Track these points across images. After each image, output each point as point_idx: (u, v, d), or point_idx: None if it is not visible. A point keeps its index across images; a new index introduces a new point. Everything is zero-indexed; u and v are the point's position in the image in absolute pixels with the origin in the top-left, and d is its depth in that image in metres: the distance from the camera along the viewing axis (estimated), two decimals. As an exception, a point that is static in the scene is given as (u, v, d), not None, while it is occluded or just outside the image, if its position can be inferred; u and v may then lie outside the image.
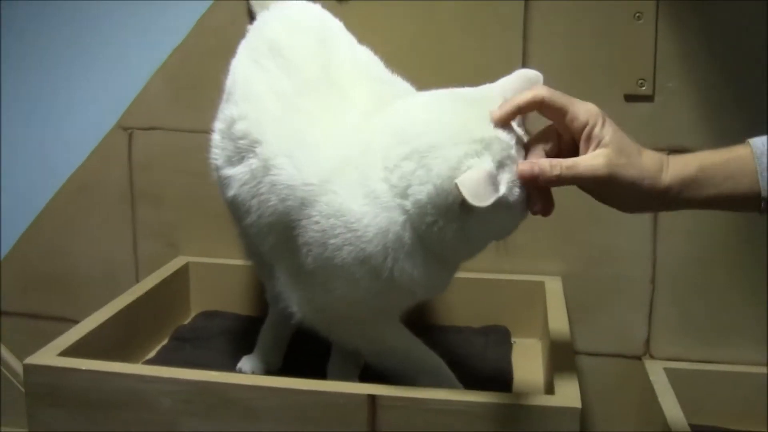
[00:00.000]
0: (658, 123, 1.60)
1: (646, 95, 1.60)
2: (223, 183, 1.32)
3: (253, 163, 1.23)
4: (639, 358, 1.67)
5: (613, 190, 1.07)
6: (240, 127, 1.27)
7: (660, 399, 1.46)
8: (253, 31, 1.40)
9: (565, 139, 1.10)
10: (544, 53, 1.61)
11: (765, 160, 1.03)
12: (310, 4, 1.41)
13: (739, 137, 1.56)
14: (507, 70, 1.60)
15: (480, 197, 1.00)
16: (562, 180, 1.06)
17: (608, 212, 1.64)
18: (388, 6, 1.63)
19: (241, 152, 1.26)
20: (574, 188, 1.62)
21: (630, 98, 1.60)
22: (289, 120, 1.21)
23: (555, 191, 1.31)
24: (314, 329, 1.24)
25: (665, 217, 1.61)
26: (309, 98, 1.22)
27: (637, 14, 1.57)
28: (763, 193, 1.03)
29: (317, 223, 1.12)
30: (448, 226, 1.06)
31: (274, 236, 1.22)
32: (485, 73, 1.59)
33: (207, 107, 1.51)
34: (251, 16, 1.63)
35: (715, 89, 1.58)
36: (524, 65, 1.61)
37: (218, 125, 1.36)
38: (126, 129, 1.78)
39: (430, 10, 1.63)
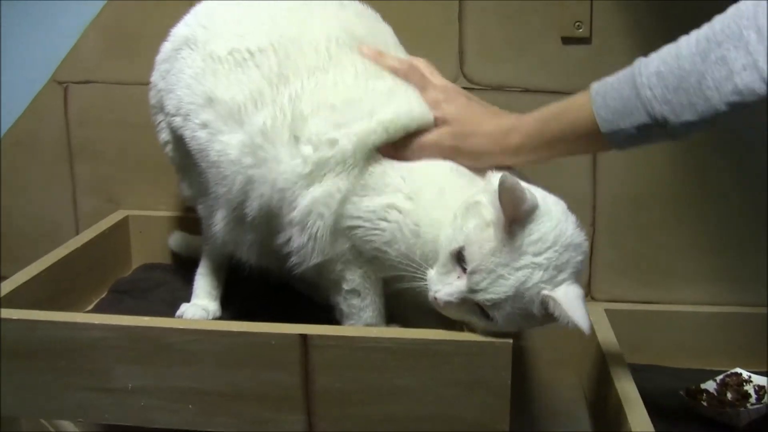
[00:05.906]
0: (596, 65, 1.60)
1: (583, 37, 1.59)
2: None
3: None
4: (581, 300, 1.68)
5: (464, 157, 1.19)
6: None
7: (600, 339, 1.48)
8: None
9: None
10: (481, -3, 1.61)
11: (599, 100, 1.08)
12: None
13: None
14: (443, 18, 1.61)
15: None
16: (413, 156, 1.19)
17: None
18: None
19: None
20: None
21: (567, 41, 1.60)
22: None
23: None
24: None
25: (604, 159, 1.62)
26: None
27: (574, -45, 1.57)
28: (602, 129, 1.08)
29: None
30: None
31: None
32: (422, 24, 1.60)
33: (143, 59, 1.49)
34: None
35: (652, 30, 1.58)
36: (461, 7, 1.61)
37: None
38: (61, 83, 1.75)
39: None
